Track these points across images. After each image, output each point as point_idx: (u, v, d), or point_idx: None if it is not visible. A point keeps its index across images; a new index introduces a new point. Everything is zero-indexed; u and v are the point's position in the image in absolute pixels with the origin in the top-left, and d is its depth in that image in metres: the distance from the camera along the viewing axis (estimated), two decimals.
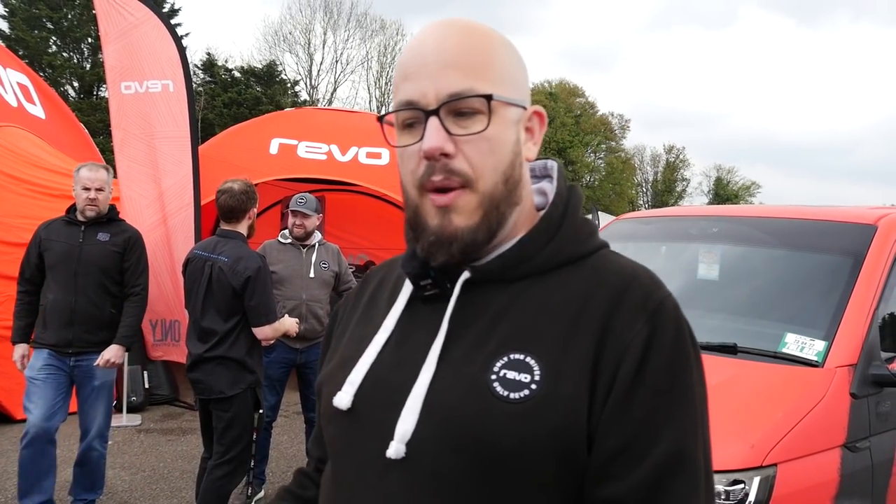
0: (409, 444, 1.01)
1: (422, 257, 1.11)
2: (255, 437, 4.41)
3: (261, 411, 4.35)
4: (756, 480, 2.47)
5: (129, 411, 7.20)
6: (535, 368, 1.00)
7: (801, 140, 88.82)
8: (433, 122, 1.03)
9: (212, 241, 4.39)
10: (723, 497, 2.46)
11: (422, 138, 1.05)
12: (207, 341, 4.18)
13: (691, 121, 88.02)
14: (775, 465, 2.51)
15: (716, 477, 2.43)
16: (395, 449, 1.02)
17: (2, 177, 7.57)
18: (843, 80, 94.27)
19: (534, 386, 0.99)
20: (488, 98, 1.03)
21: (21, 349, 4.60)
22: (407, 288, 1.17)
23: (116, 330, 4.62)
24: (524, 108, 1.12)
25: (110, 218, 4.74)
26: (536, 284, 1.08)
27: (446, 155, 1.04)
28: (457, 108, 1.04)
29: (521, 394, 0.99)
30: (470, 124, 1.04)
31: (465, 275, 1.09)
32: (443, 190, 1.05)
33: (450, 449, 1.00)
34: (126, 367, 7.16)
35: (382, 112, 1.16)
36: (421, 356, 1.06)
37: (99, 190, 4.59)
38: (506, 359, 1.02)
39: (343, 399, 1.10)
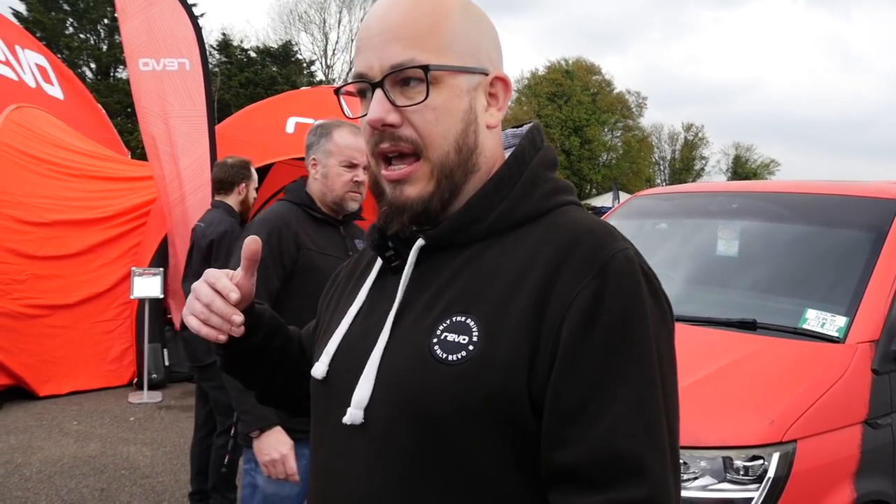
0: (366, 410, 1.05)
1: (380, 226, 1.14)
2: None
3: None
4: (776, 456, 2.46)
5: (149, 388, 7.28)
6: (473, 329, 1.00)
7: (818, 116, 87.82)
8: (377, 94, 1.06)
9: (206, 212, 4.59)
10: (742, 472, 2.45)
11: None
12: None
13: (705, 98, 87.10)
14: (795, 440, 2.50)
15: (734, 452, 2.44)
16: (351, 415, 1.05)
17: (22, 157, 7.64)
18: (861, 55, 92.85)
19: (471, 347, 0.99)
20: (424, 69, 1.04)
21: (285, 443, 2.52)
22: (378, 261, 1.20)
23: None
24: (484, 73, 1.12)
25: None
26: (492, 246, 1.08)
27: (392, 125, 1.06)
28: (400, 77, 1.06)
29: (459, 355, 0.99)
30: (414, 94, 1.06)
31: (420, 242, 1.10)
32: (392, 159, 1.09)
33: (397, 413, 1.02)
34: (146, 345, 7.24)
35: None
36: (381, 324, 1.09)
37: (365, 169, 2.53)
38: (448, 321, 1.03)
39: (319, 369, 1.15)
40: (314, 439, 1.19)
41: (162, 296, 7.37)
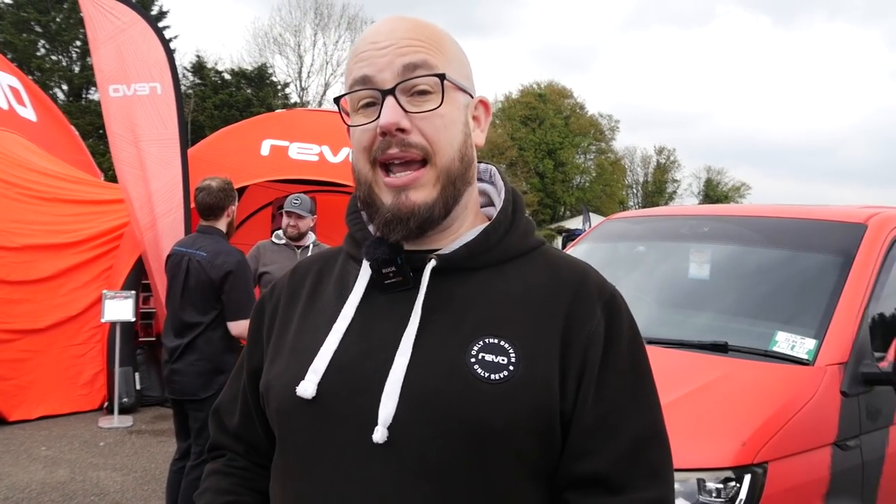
0: (391, 429, 1.03)
1: (388, 242, 1.13)
2: None
3: None
4: (747, 478, 2.48)
5: (120, 413, 7.18)
6: (510, 351, 1.07)
7: (783, 140, 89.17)
8: (389, 100, 1.08)
9: (191, 237, 4.44)
10: (714, 495, 2.47)
11: (378, 117, 1.09)
12: (184, 336, 4.18)
13: (672, 121, 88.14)
14: (766, 462, 2.52)
15: (707, 475, 2.46)
16: (381, 433, 1.03)
17: None
18: (823, 79, 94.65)
19: (511, 367, 1.06)
20: (441, 77, 1.10)
21: None
22: (363, 277, 1.17)
23: None
24: (471, 95, 1.19)
25: None
26: (497, 275, 1.15)
27: (402, 130, 1.08)
28: (412, 86, 1.09)
29: (501, 374, 1.05)
30: (423, 103, 1.10)
31: (432, 263, 1.13)
32: (392, 167, 1.10)
33: (436, 432, 1.03)
34: (117, 369, 7.15)
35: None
36: (391, 343, 1.08)
37: None
38: (482, 342, 1.08)
39: (307, 388, 1.09)
40: (298, 466, 1.12)
41: (133, 319, 7.31)
